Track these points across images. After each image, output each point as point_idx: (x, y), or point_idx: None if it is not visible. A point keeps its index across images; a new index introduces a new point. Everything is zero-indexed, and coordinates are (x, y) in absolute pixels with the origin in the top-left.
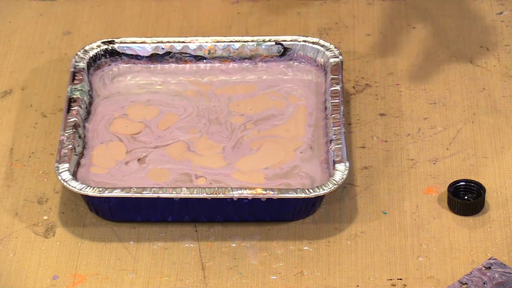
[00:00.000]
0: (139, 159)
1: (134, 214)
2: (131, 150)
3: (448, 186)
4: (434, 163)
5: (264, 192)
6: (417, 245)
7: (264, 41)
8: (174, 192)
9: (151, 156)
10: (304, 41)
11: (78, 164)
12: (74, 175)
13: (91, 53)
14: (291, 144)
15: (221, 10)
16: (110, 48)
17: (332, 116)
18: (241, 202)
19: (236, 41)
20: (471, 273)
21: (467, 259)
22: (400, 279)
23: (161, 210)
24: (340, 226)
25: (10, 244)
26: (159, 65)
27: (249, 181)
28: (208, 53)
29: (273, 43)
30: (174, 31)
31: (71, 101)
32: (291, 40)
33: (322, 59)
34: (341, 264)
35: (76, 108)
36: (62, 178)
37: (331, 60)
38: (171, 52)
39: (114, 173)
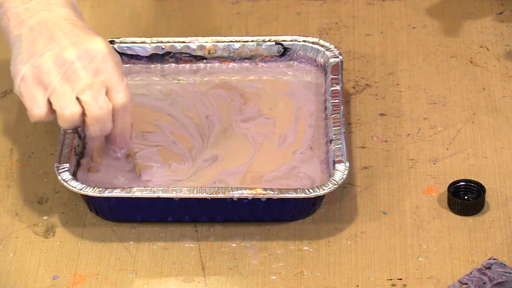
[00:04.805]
0: (131, 157)
1: (134, 214)
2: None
3: (448, 186)
4: (434, 163)
5: (264, 192)
6: (417, 245)
7: (264, 41)
8: (174, 192)
9: (143, 152)
10: (304, 41)
11: (78, 164)
12: (74, 175)
13: None
14: (292, 144)
15: (221, 10)
16: None
17: (332, 116)
18: (241, 202)
19: (236, 41)
20: (471, 273)
21: (467, 259)
22: (400, 279)
23: (161, 210)
24: (340, 226)
25: (10, 244)
26: (159, 65)
27: (249, 182)
28: (208, 53)
29: (273, 43)
30: (174, 31)
31: None
32: (291, 40)
33: (322, 59)
34: (341, 264)
35: None
36: (62, 178)
37: (331, 60)
38: (171, 52)
39: (110, 171)
